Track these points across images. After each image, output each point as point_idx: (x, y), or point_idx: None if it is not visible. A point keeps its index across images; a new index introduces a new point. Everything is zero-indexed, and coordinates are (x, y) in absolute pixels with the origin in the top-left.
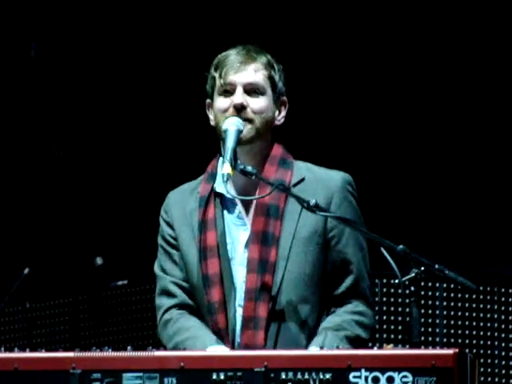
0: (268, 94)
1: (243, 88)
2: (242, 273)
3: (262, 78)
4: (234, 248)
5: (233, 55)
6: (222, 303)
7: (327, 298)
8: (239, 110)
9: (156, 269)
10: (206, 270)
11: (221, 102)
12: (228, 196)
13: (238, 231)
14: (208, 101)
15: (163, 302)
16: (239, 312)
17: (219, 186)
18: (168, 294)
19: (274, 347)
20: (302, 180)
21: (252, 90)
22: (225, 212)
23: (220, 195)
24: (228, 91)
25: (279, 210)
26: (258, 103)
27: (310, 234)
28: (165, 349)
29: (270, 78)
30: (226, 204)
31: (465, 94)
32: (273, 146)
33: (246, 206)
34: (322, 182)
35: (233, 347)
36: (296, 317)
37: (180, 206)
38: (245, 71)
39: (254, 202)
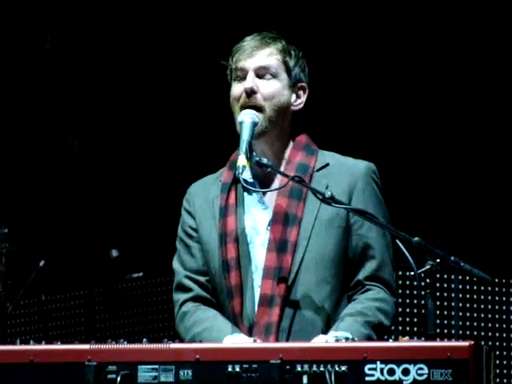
0: (281, 78)
1: (255, 72)
2: (263, 254)
3: (274, 62)
4: (256, 231)
5: (247, 41)
6: (239, 286)
7: (348, 283)
8: (249, 94)
9: (174, 263)
10: (225, 254)
11: (234, 89)
12: (248, 187)
13: (259, 214)
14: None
15: (179, 296)
16: (258, 292)
17: None
18: (183, 288)
19: (290, 327)
20: (327, 165)
21: (264, 73)
22: (245, 196)
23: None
24: (240, 77)
25: (302, 192)
26: (268, 87)
27: (333, 217)
28: (181, 341)
29: (285, 63)
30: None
31: (493, 84)
32: (295, 131)
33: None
34: (346, 168)
35: (249, 331)
36: (314, 298)
37: (202, 195)
38: (257, 56)
39: (276, 185)
